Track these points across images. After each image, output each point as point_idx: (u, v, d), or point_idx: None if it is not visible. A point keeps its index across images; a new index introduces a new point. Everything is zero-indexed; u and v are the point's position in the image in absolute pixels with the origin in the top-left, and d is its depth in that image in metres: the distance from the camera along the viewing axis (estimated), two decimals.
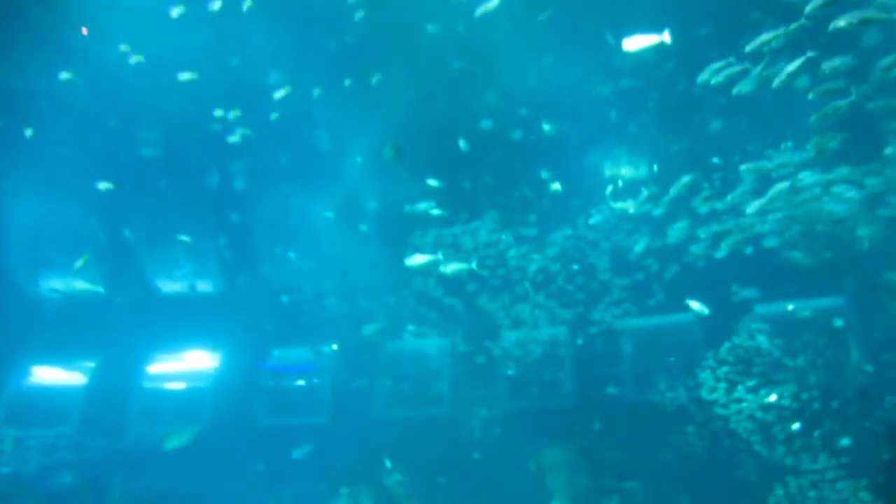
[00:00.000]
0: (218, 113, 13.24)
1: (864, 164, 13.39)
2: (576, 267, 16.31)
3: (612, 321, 17.06)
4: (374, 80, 13.55)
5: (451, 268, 11.91)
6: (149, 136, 15.57)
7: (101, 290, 17.52)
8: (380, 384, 19.05)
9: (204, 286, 20.00)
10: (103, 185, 12.74)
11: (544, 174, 15.80)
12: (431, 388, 18.68)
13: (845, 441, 13.15)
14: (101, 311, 18.63)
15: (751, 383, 14.16)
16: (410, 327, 17.89)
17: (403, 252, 12.67)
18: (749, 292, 15.01)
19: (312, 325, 18.89)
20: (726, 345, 14.64)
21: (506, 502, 15.97)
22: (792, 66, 9.90)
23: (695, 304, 13.19)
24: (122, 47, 12.71)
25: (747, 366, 14.34)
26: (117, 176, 14.06)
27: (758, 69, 10.48)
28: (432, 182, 14.39)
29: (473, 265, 12.07)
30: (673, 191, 12.44)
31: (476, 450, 17.00)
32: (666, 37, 10.88)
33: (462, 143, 13.99)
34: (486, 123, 14.38)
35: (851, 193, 13.10)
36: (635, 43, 11.40)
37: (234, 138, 13.18)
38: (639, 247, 14.99)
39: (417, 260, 11.35)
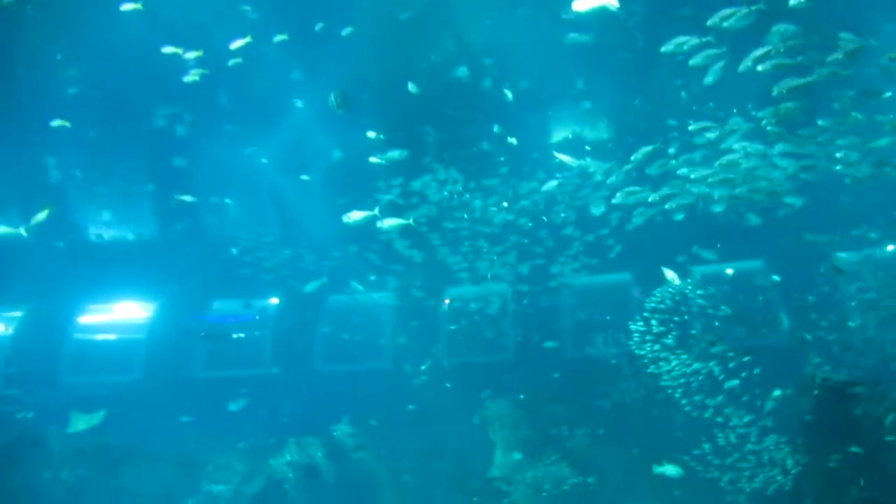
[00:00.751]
0: (167, 50, 12.36)
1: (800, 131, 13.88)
2: (530, 224, 16.44)
3: (563, 277, 17.37)
4: (345, 32, 13.00)
5: (388, 223, 11.87)
6: (84, 71, 14.43)
7: (22, 233, 16.36)
8: (325, 336, 18.87)
9: (139, 232, 19.04)
10: (57, 123, 11.72)
11: (496, 128, 15.70)
12: (378, 340, 18.66)
13: (776, 393, 13.77)
14: (28, 257, 17.45)
15: (669, 340, 14.55)
16: (371, 277, 17.68)
17: (365, 204, 12.41)
18: (696, 253, 15.47)
19: (255, 277, 18.41)
20: (655, 295, 14.98)
21: (453, 454, 16.29)
22: (758, 53, 10.13)
23: (669, 273, 13.46)
24: None
25: (672, 315, 14.69)
26: (52, 113, 13.10)
27: (721, 63, 10.62)
28: (372, 134, 14.14)
29: (411, 220, 12.05)
30: (634, 159, 12.65)
31: (422, 402, 17.16)
32: (613, 2, 11.12)
33: (411, 87, 13.69)
34: (461, 71, 14.06)
35: (786, 162, 13.55)
36: (584, 4, 11.51)
37: (190, 78, 12.41)
38: (597, 210, 15.19)
39: (354, 216, 11.16)
